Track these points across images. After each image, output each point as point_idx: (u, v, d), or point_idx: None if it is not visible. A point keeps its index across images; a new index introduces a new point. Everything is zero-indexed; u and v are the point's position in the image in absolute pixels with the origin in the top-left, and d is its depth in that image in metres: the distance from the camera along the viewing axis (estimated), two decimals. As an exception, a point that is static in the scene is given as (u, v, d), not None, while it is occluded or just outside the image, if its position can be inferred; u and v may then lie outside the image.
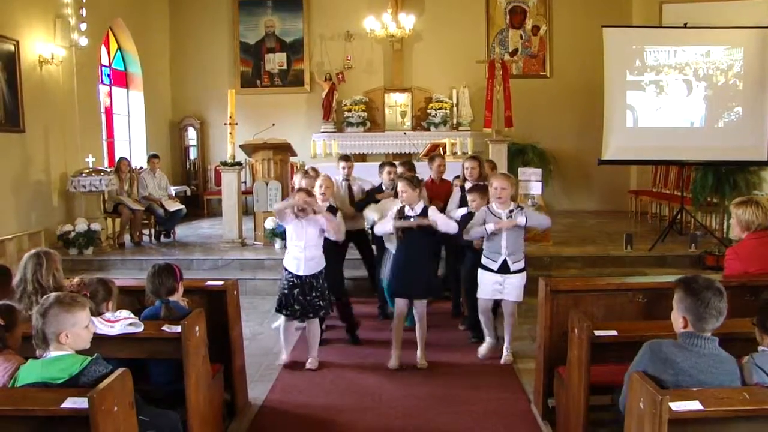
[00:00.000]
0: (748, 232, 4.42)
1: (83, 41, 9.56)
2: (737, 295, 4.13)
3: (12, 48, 8.33)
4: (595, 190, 12.89)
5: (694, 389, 2.64)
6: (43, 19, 9.06)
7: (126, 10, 11.58)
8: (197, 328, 3.77)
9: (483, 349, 5.72)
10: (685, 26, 9.08)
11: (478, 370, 5.46)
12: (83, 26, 9.52)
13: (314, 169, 6.56)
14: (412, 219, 5.35)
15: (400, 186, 5.41)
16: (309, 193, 5.40)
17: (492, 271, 5.42)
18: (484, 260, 5.49)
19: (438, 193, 6.96)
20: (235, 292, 4.65)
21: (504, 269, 5.39)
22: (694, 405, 2.53)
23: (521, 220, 5.31)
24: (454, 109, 12.86)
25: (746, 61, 8.65)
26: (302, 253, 5.36)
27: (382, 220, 5.59)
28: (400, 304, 5.54)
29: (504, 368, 5.48)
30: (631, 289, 4.34)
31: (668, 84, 8.93)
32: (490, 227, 5.30)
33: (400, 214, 5.40)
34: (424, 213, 5.38)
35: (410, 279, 5.42)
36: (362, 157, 12.41)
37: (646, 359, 2.81)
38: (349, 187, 7.01)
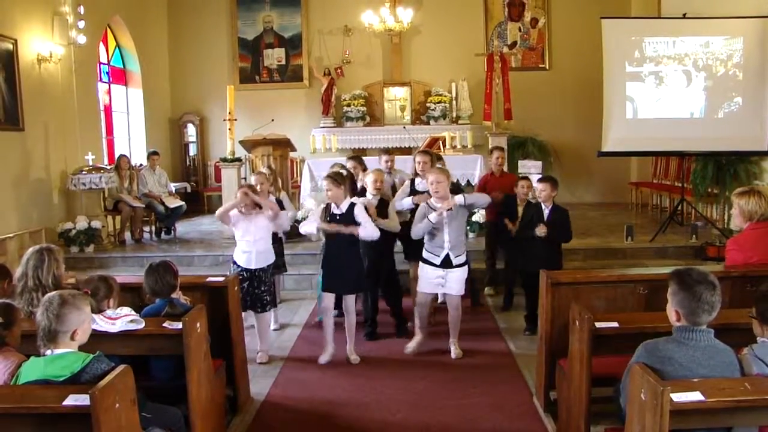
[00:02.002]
0: (750, 222, 4.41)
1: (81, 39, 9.54)
2: (738, 285, 4.14)
3: (10, 46, 8.31)
4: (596, 182, 12.89)
5: (696, 380, 2.64)
6: (41, 18, 9.04)
7: (124, 8, 11.55)
8: (198, 324, 3.77)
9: (412, 345, 5.70)
10: (684, 16, 9.05)
11: (479, 363, 5.46)
12: (81, 24, 9.50)
13: (270, 168, 6.82)
14: (337, 217, 5.34)
15: (326, 184, 5.40)
16: (252, 188, 5.57)
17: (434, 265, 5.44)
18: (426, 254, 5.50)
19: (500, 186, 6.94)
20: (236, 288, 4.65)
21: (446, 264, 5.41)
22: (696, 396, 2.53)
23: (459, 198, 5.32)
24: (454, 102, 12.84)
25: (746, 51, 8.62)
26: (252, 247, 5.49)
27: (307, 220, 5.59)
28: (328, 299, 5.57)
29: (505, 361, 5.49)
30: (632, 280, 4.34)
31: (668, 75, 8.90)
32: (433, 216, 5.29)
33: (326, 213, 5.40)
34: (350, 210, 5.35)
35: (338, 275, 5.43)
36: (362, 152, 12.39)
37: (643, 359, 2.78)
38: (392, 182, 7.02)
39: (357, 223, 5.33)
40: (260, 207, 5.49)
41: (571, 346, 3.79)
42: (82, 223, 8.65)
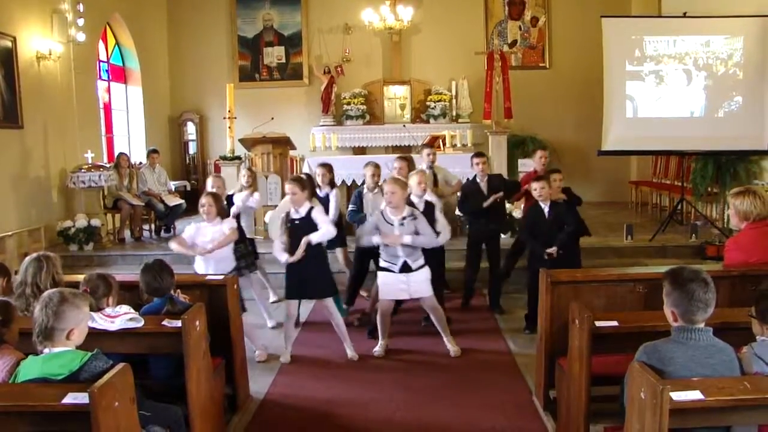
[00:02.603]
0: (746, 222, 4.40)
1: (81, 37, 9.52)
2: (738, 284, 4.14)
3: (9, 44, 8.30)
4: (596, 181, 12.85)
5: (695, 379, 2.64)
6: (40, 15, 9.03)
7: (123, 5, 11.54)
8: (197, 323, 3.77)
9: (378, 350, 5.67)
10: (684, 15, 9.04)
11: (479, 362, 5.46)
12: (80, 22, 9.48)
13: (250, 170, 7.02)
14: (296, 222, 5.34)
15: (290, 187, 5.37)
16: (215, 196, 5.63)
17: (394, 272, 5.43)
18: (383, 263, 5.50)
19: None
20: (235, 287, 4.65)
21: (406, 269, 5.41)
22: (695, 395, 2.52)
23: (407, 239, 5.27)
24: (454, 101, 12.83)
25: (746, 50, 8.61)
26: (211, 255, 5.48)
27: (275, 243, 5.55)
28: (292, 306, 5.61)
29: (505, 360, 5.49)
30: (632, 279, 4.34)
31: (668, 74, 8.88)
32: (376, 240, 5.31)
33: (286, 220, 5.41)
34: (308, 214, 5.35)
35: (304, 280, 5.39)
36: (362, 150, 12.40)
37: (644, 361, 2.76)
38: (434, 176, 7.04)
39: (317, 227, 5.33)
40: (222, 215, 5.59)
41: (570, 345, 3.79)
42: (81, 221, 8.64)
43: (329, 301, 5.57)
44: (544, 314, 4.37)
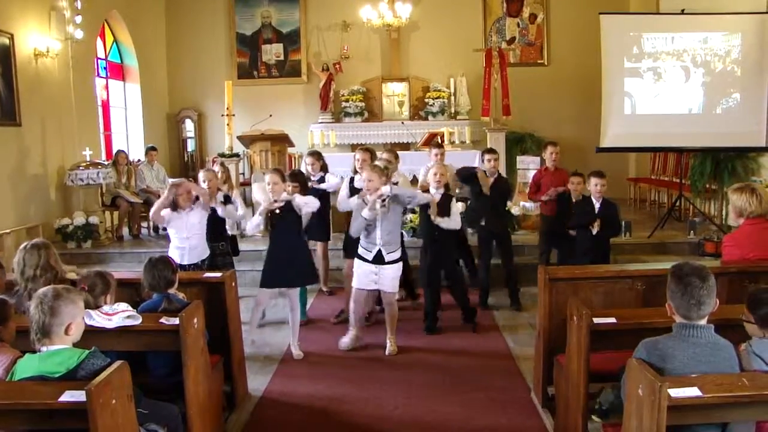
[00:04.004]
0: (742, 219, 4.41)
1: (79, 34, 9.50)
2: (736, 281, 4.14)
3: (7, 41, 8.28)
4: (594, 178, 12.85)
5: (693, 376, 2.63)
6: (38, 12, 9.00)
7: (121, 2, 11.51)
8: (195, 320, 3.76)
9: (346, 340, 5.73)
10: (682, 12, 9.04)
11: (477, 359, 5.46)
12: (78, 19, 9.46)
13: (223, 165, 6.99)
14: (277, 212, 5.39)
15: (269, 177, 5.43)
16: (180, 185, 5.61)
17: (367, 261, 5.48)
18: (360, 251, 5.55)
19: (554, 182, 7.00)
20: (233, 284, 4.65)
21: (379, 260, 5.44)
22: (693, 391, 2.52)
23: (385, 189, 5.30)
24: (452, 98, 12.81)
25: (744, 47, 8.61)
26: (186, 242, 5.53)
27: (252, 219, 5.59)
28: (264, 294, 5.63)
29: (503, 357, 5.49)
30: (630, 276, 4.34)
31: (666, 71, 8.89)
32: (366, 212, 5.35)
33: (268, 209, 5.45)
34: (288, 206, 5.40)
35: (286, 267, 5.42)
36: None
37: (644, 357, 2.77)
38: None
39: (298, 216, 5.42)
40: (197, 198, 5.56)
41: (569, 342, 3.79)
42: (79, 218, 8.63)
43: (295, 295, 5.61)
44: (542, 311, 4.37)
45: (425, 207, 5.95)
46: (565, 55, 12.90)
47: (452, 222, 5.89)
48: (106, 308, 3.63)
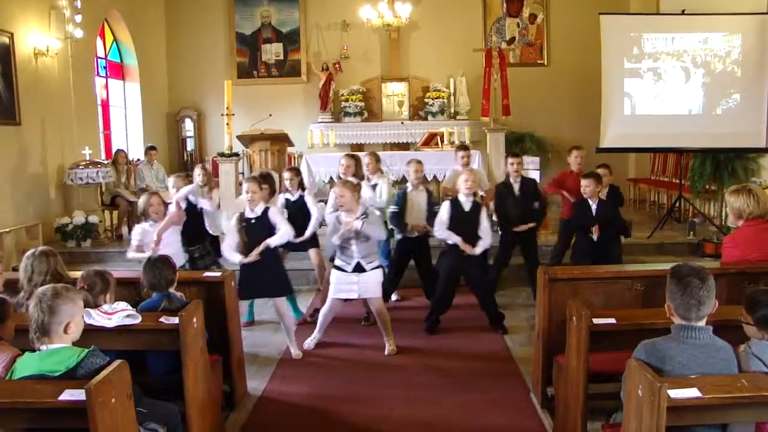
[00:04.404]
0: (741, 220, 4.42)
1: (78, 33, 9.50)
2: (735, 282, 4.14)
3: (6, 40, 8.28)
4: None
5: (693, 376, 2.63)
6: (38, 11, 9.00)
7: (121, 2, 11.51)
8: (195, 320, 3.76)
9: (309, 342, 5.74)
10: (682, 13, 9.04)
11: (476, 359, 5.46)
12: (78, 18, 9.46)
13: (204, 168, 6.91)
14: (252, 221, 5.35)
15: (247, 186, 5.39)
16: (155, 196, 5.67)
17: (346, 272, 5.46)
18: (338, 262, 5.53)
19: (578, 185, 6.83)
20: (232, 284, 4.65)
21: (359, 269, 5.44)
22: (693, 392, 2.52)
23: (357, 224, 5.27)
24: (452, 98, 12.81)
25: (744, 48, 8.61)
26: (163, 250, 5.40)
27: (225, 240, 5.53)
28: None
29: (503, 357, 5.49)
30: (630, 277, 4.34)
31: (666, 71, 8.89)
32: (335, 239, 5.35)
33: (241, 220, 5.41)
34: (264, 214, 5.37)
35: (257, 280, 5.37)
36: (360, 147, 12.37)
37: (643, 359, 2.76)
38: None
39: (273, 226, 5.35)
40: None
41: (568, 343, 3.79)
42: (78, 217, 8.63)
43: (281, 302, 5.58)
44: (541, 311, 4.37)
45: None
46: (565, 55, 12.89)
47: (485, 243, 5.83)
48: (105, 307, 3.63)
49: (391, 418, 4.42)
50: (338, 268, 5.51)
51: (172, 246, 5.57)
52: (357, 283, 5.44)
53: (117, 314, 3.59)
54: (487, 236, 5.83)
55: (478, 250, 5.79)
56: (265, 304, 6.89)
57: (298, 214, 6.23)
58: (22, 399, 2.63)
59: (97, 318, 3.51)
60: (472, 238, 5.81)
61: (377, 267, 5.52)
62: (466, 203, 5.86)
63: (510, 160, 6.79)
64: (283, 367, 5.37)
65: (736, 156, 9.01)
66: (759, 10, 8.64)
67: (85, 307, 3.11)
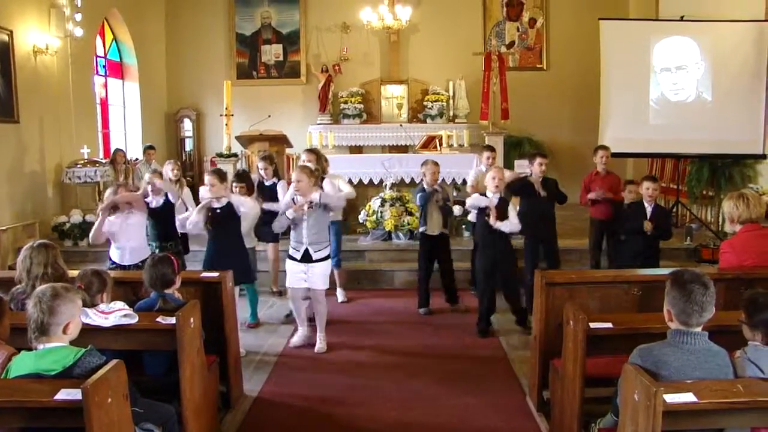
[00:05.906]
0: (736, 225, 4.43)
1: (78, 32, 9.50)
2: (732, 287, 4.14)
3: (6, 38, 8.27)
4: (592, 183, 12.86)
5: (688, 381, 2.64)
6: (38, 9, 9.00)
7: (121, 1, 11.51)
8: (192, 320, 3.76)
9: (295, 339, 5.85)
10: (681, 19, 9.07)
11: (473, 362, 5.46)
12: (78, 16, 9.46)
13: (176, 162, 7.20)
14: (218, 211, 5.56)
15: (209, 179, 5.57)
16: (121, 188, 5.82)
17: (296, 260, 5.58)
18: (290, 251, 5.67)
19: (604, 186, 7.05)
20: (230, 284, 4.64)
21: (307, 258, 5.53)
22: (689, 397, 2.53)
23: (315, 196, 5.44)
24: (451, 101, 12.82)
25: (743, 55, 8.64)
26: (127, 244, 5.59)
27: (191, 214, 5.70)
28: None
29: (499, 361, 5.49)
30: (627, 281, 4.34)
31: (664, 77, 8.92)
32: (290, 213, 5.46)
33: (207, 211, 5.55)
34: (228, 206, 5.55)
35: (219, 264, 5.36)
36: (359, 149, 12.39)
37: (639, 364, 2.77)
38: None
39: (237, 216, 5.60)
40: (130, 204, 5.63)
41: (564, 346, 3.79)
42: (76, 216, 8.61)
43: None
44: (538, 315, 4.37)
45: (482, 211, 6.02)
46: (564, 59, 12.92)
47: (513, 225, 5.95)
48: (102, 307, 3.63)
49: (387, 420, 4.41)
50: (290, 257, 5.64)
51: (140, 239, 5.68)
52: (306, 273, 5.56)
53: (114, 314, 3.59)
54: (513, 225, 5.95)
55: (502, 225, 5.88)
56: (264, 305, 6.92)
57: (267, 200, 6.62)
58: (17, 398, 2.63)
59: (94, 317, 3.50)
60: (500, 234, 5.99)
61: (326, 258, 5.62)
62: (494, 199, 5.98)
63: (538, 159, 6.73)
64: (279, 369, 5.36)
65: (734, 162, 9.03)
66: (757, 18, 8.66)
67: (82, 306, 3.10)
